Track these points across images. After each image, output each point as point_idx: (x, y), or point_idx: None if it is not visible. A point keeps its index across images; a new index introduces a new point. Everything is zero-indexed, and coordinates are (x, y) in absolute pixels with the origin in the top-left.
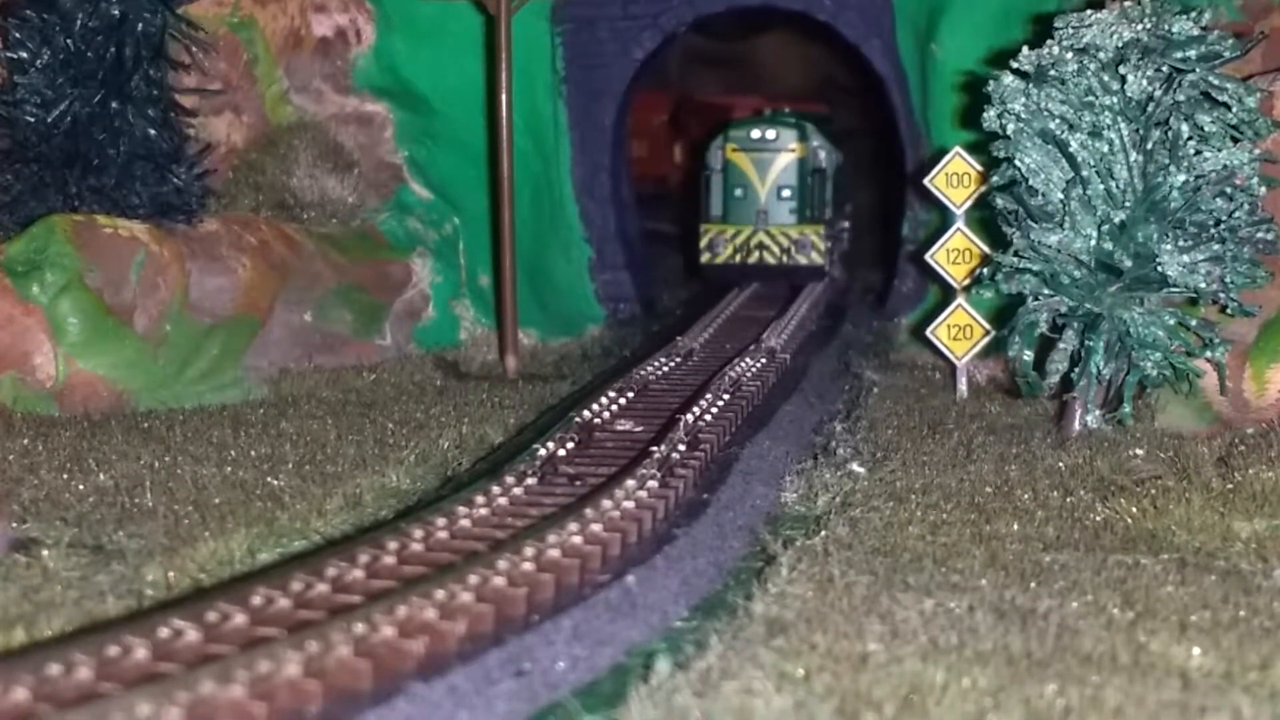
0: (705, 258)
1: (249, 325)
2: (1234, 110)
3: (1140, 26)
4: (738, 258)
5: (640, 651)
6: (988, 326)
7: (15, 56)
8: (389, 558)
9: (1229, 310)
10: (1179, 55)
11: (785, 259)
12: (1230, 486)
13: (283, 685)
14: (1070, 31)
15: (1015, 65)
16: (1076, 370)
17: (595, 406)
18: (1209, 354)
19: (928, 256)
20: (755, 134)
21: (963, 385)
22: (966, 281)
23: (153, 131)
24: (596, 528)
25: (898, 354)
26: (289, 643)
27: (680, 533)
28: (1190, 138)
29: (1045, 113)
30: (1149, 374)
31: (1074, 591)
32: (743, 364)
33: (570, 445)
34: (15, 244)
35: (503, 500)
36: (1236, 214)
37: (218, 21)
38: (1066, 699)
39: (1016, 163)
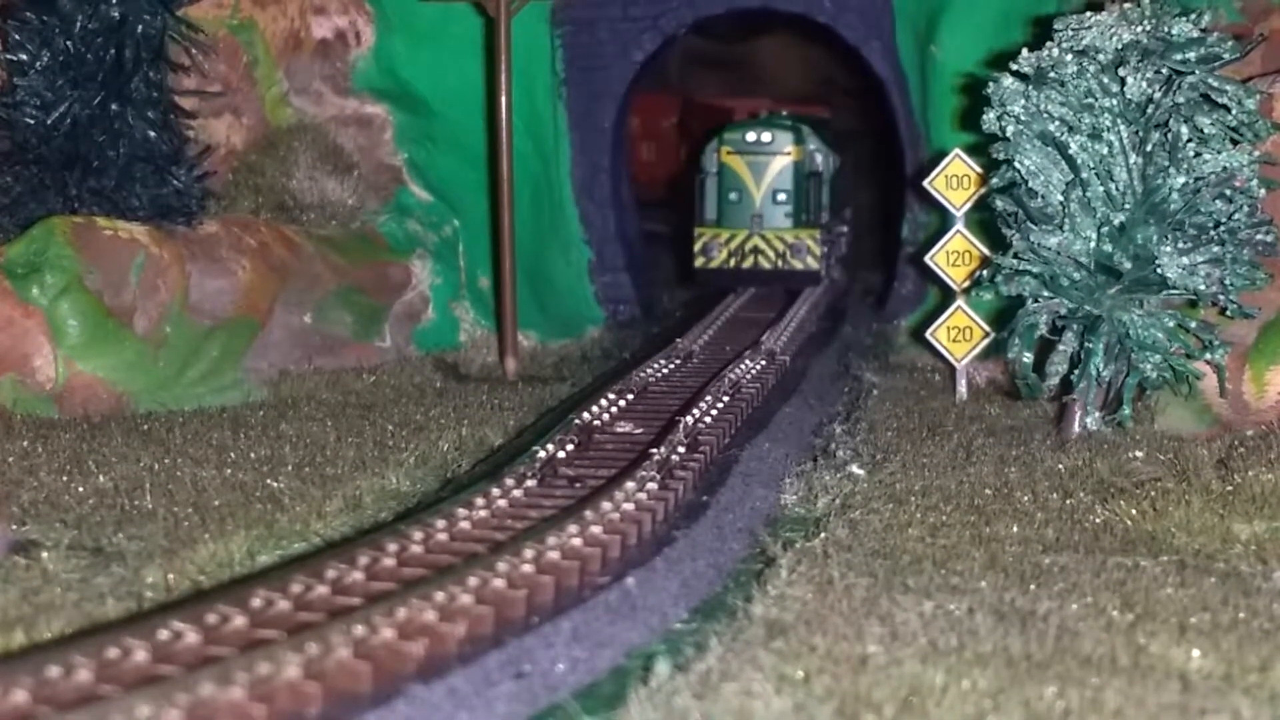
0: (699, 262)
1: (249, 327)
2: (1233, 112)
3: (1140, 29)
4: (732, 262)
5: (640, 653)
6: (987, 328)
7: (15, 58)
8: (388, 560)
9: (1228, 312)
10: (1178, 57)
11: (780, 264)
12: (1230, 489)
13: (282, 687)
14: (1070, 34)
15: (1015, 67)
16: (1076, 372)
17: (595, 408)
18: (1208, 356)
19: (927, 258)
20: (750, 137)
21: (962, 387)
22: (966, 283)
23: (152, 133)
24: (596, 530)
25: (897, 356)
26: (289, 645)
27: (680, 535)
28: (1190, 140)
29: (1045, 115)
30: (1149, 376)
31: (1074, 593)
32: (742, 366)
33: (570, 447)
34: (15, 246)
35: (502, 502)
36: (1236, 216)
37: (217, 23)
38: (1066, 701)
39: (1016, 165)
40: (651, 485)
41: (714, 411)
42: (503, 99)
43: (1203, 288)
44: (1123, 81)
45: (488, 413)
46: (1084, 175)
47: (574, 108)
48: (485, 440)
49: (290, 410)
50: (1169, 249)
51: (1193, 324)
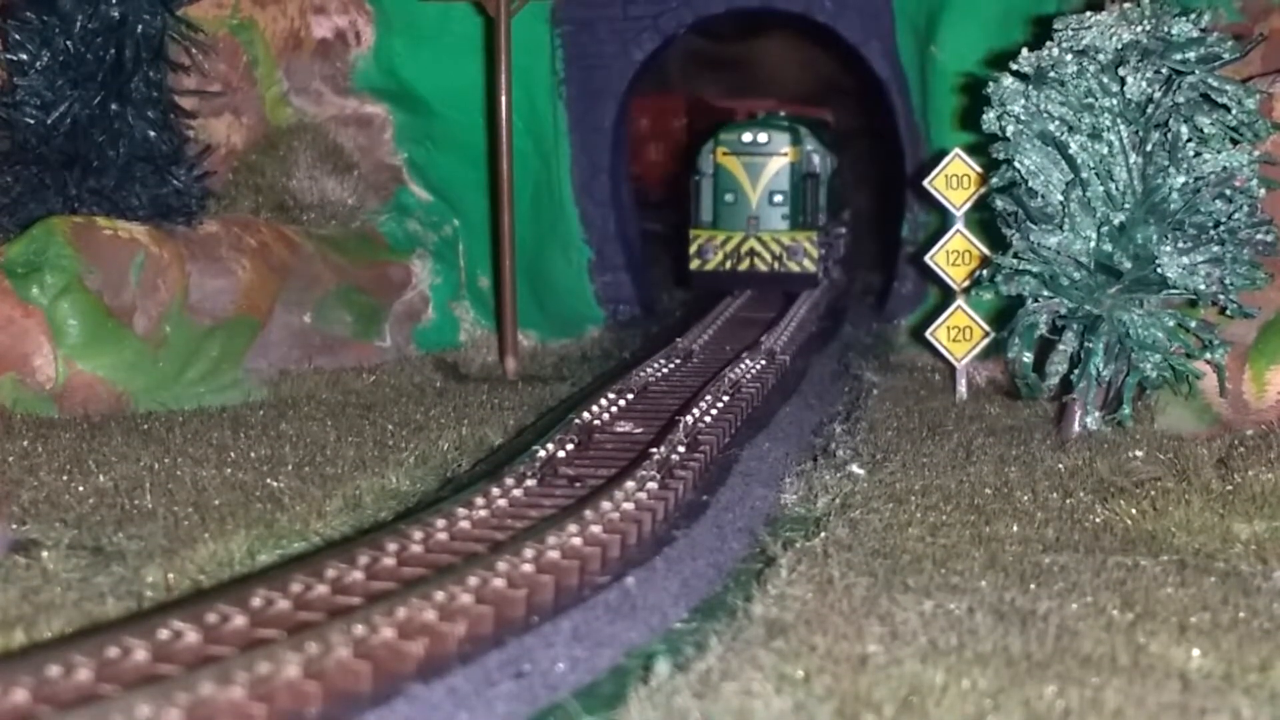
0: (695, 264)
1: (249, 327)
2: (1233, 112)
3: (1140, 28)
4: (728, 265)
5: (640, 653)
6: (987, 328)
7: (15, 58)
8: (388, 559)
9: (1228, 312)
10: (1178, 57)
11: (777, 266)
12: (1230, 488)
13: (282, 687)
14: (1070, 33)
15: (1015, 67)
16: (1076, 372)
17: (595, 408)
18: (1208, 356)
19: (927, 258)
20: (746, 137)
21: (962, 387)
22: (966, 283)
23: (152, 133)
24: (596, 529)
25: (897, 355)
26: (289, 644)
27: (680, 534)
28: (1190, 139)
29: (1045, 114)
30: (1148, 375)
31: (1073, 593)
32: (742, 365)
33: (570, 447)
34: (15, 246)
35: (502, 502)
36: (1236, 216)
37: (217, 23)
38: (1066, 700)
39: (1016, 164)
40: (651, 485)
41: (714, 411)
42: (503, 98)
43: (1203, 287)
44: (1123, 81)
45: (488, 412)
46: (1084, 175)
47: (574, 107)
48: (485, 440)
49: (290, 410)
50: (1169, 249)
51: (1193, 323)
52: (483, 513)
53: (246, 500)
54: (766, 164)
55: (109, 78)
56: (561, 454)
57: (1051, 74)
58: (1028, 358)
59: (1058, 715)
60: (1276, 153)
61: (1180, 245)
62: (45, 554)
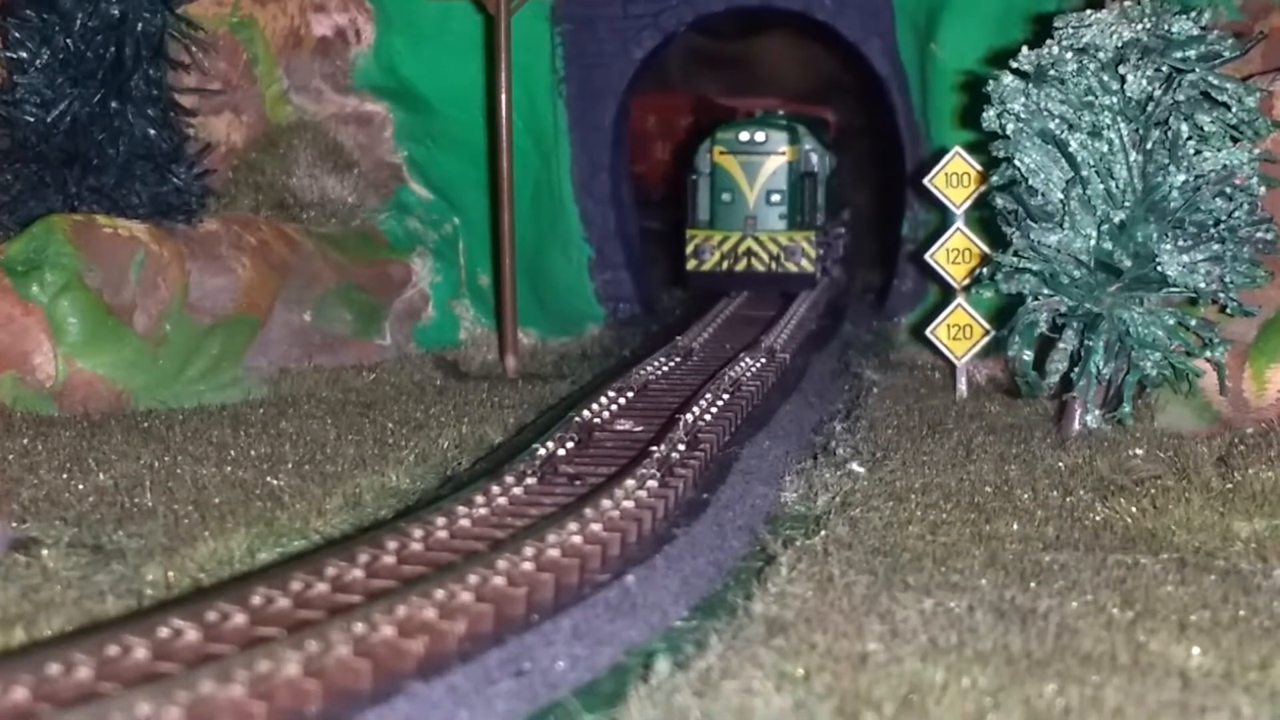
0: (691, 265)
1: (249, 325)
2: (1234, 110)
3: (1140, 26)
4: (725, 265)
5: (640, 651)
6: (987, 326)
7: (15, 56)
8: (389, 557)
9: (1229, 310)
10: (1179, 55)
11: (774, 266)
12: (1230, 486)
13: (282, 685)
14: (1070, 31)
15: (1015, 65)
16: (1076, 370)
17: (595, 406)
18: (1209, 354)
19: (927, 256)
20: (744, 136)
21: (962, 385)
22: (966, 281)
23: (152, 131)
24: (596, 527)
25: (897, 354)
26: (289, 642)
27: (680, 532)
28: (1190, 137)
29: (1045, 112)
30: (1149, 374)
31: (1074, 591)
32: (742, 363)
33: (570, 445)
34: (15, 244)
35: (502, 500)
36: (1236, 214)
37: (217, 21)
38: (1066, 699)
39: (1016, 162)
40: (651, 483)
41: (714, 409)
42: (503, 97)
43: (1203, 285)
44: (1123, 79)
45: (488, 410)
46: (1084, 173)
47: (574, 106)
48: (485, 438)
49: (290, 408)
50: (1169, 247)
51: (1193, 322)
52: (483, 511)
53: (246, 498)
54: (764, 163)
55: (109, 75)
56: (562, 452)
57: (1052, 72)
58: (1028, 356)
59: (1058, 713)
60: (1277, 150)
61: (1180, 243)
62: (45, 552)
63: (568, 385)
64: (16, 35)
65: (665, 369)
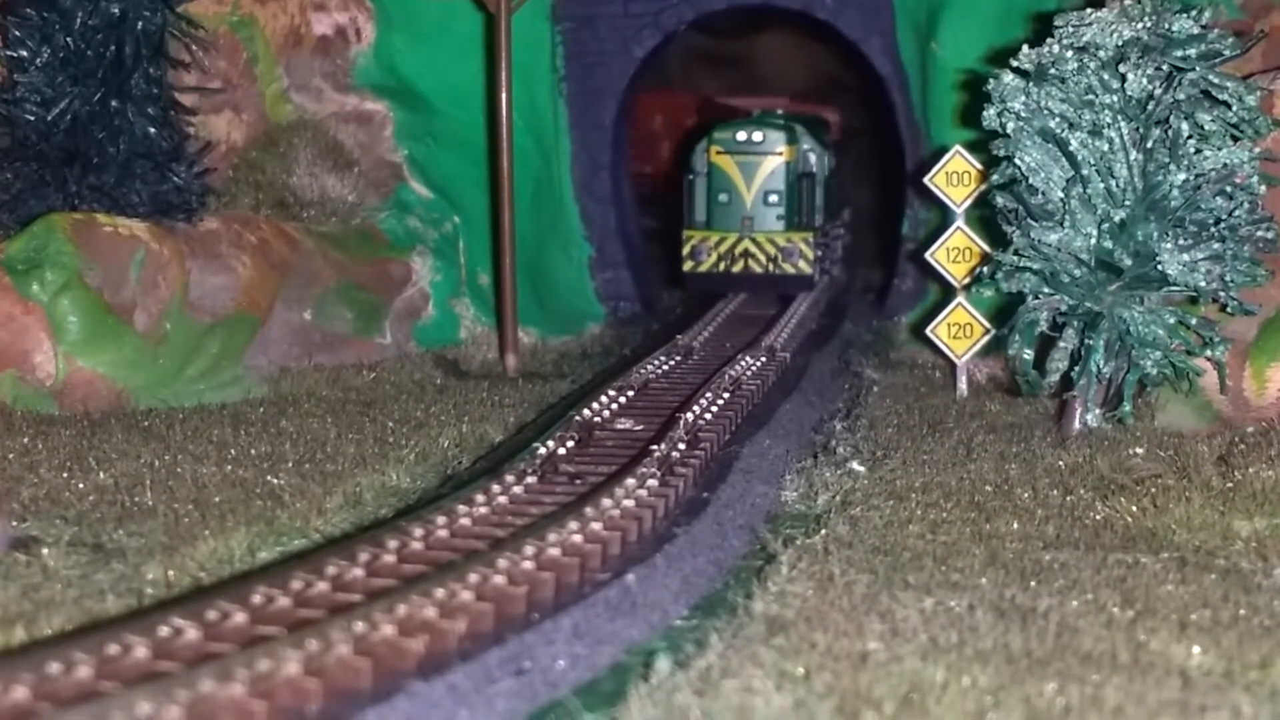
0: (688, 266)
1: (249, 324)
2: (1234, 109)
3: (1140, 25)
4: (722, 266)
5: (640, 650)
6: (988, 325)
7: (15, 55)
8: (389, 556)
9: (1229, 309)
10: (1179, 54)
11: (772, 268)
12: (1230, 485)
13: (283, 684)
14: (1070, 30)
15: (1015, 64)
16: (1076, 369)
17: (595, 405)
18: (1209, 353)
19: (928, 255)
20: (741, 136)
21: (963, 384)
22: (966, 280)
23: (153, 130)
24: (596, 526)
25: (898, 352)
26: (289, 641)
27: (680, 531)
28: (1190, 136)
29: (1045, 111)
30: (1149, 373)
31: (1074, 590)
32: (743, 362)
33: (570, 444)
34: (15, 242)
35: (503, 499)
36: (1236, 212)
37: (218, 20)
38: (1066, 697)
39: (1016, 161)
40: (652, 482)
41: (714, 408)
42: (503, 95)
43: (1203, 284)
44: (1123, 78)
45: (488, 409)
46: (1084, 172)
47: (574, 104)
48: (485, 437)
49: (290, 407)
50: (1169, 245)
51: (1193, 321)
52: (483, 510)
53: (247, 497)
54: (761, 163)
55: (109, 74)
56: (562, 451)
57: (1052, 71)
58: (1028, 355)
59: (1058, 712)
60: (1277, 149)
61: (1181, 242)
62: (45, 551)
63: (568, 384)
64: (17, 34)
65: (665, 368)
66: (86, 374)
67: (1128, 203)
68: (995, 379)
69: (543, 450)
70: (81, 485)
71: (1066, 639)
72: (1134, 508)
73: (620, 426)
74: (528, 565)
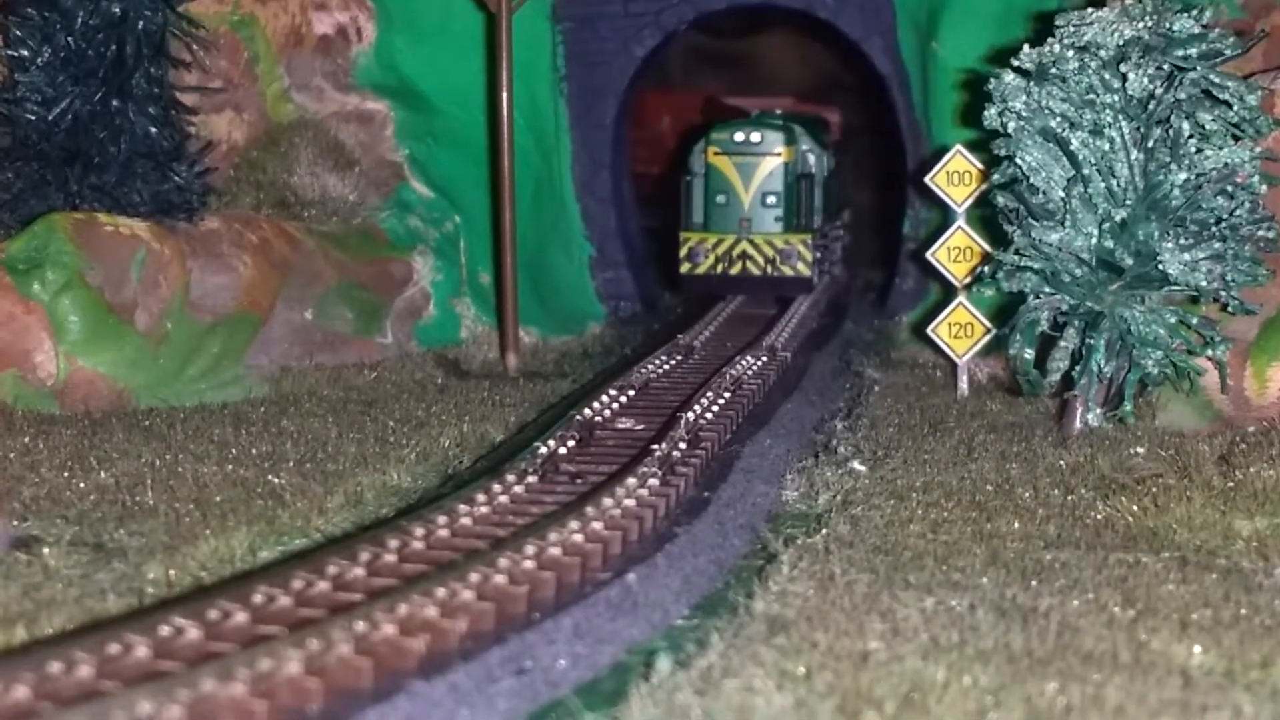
0: (685, 268)
1: (250, 323)
2: (1235, 108)
3: (1141, 24)
4: (719, 268)
5: (641, 649)
6: (989, 325)
7: (16, 54)
8: (390, 556)
9: (1230, 308)
10: (1180, 53)
11: (770, 270)
12: (1231, 485)
13: (284, 683)
14: (1071, 29)
15: (1016, 63)
16: (1077, 368)
17: (596, 404)
18: (1210, 352)
19: (929, 254)
20: (739, 137)
21: (964, 383)
22: (967, 279)
23: (154, 129)
24: (597, 526)
25: (899, 352)
26: (290, 641)
27: (681, 531)
28: (1191, 136)
29: (1046, 111)
30: (1150, 372)
31: (1075, 589)
32: (744, 362)
33: (571, 443)
34: (16, 242)
35: (504, 498)
36: (1238, 212)
37: (218, 19)
38: (1067, 697)
39: (1017, 160)
40: (653, 481)
41: (715, 408)
42: (504, 95)
43: (1204, 284)
44: (1124, 77)
45: (489, 409)
46: (1085, 171)
47: (575, 104)
48: (486, 436)
49: (291, 406)
50: (1170, 245)
51: (1194, 320)
52: (484, 509)
53: (248, 497)
54: (759, 164)
55: (110, 74)
56: (563, 450)
57: (1053, 70)
58: (1029, 354)
59: (1059, 712)
60: (1278, 149)
61: (1182, 242)
62: (46, 550)
63: (569, 383)
64: (18, 33)
65: (666, 367)
66: (87, 373)
67: (1129, 202)
68: (996, 378)
69: (544, 449)
70: (82, 485)
71: (1067, 638)
72: (1135, 507)
73: (621, 426)
74: (529, 564)
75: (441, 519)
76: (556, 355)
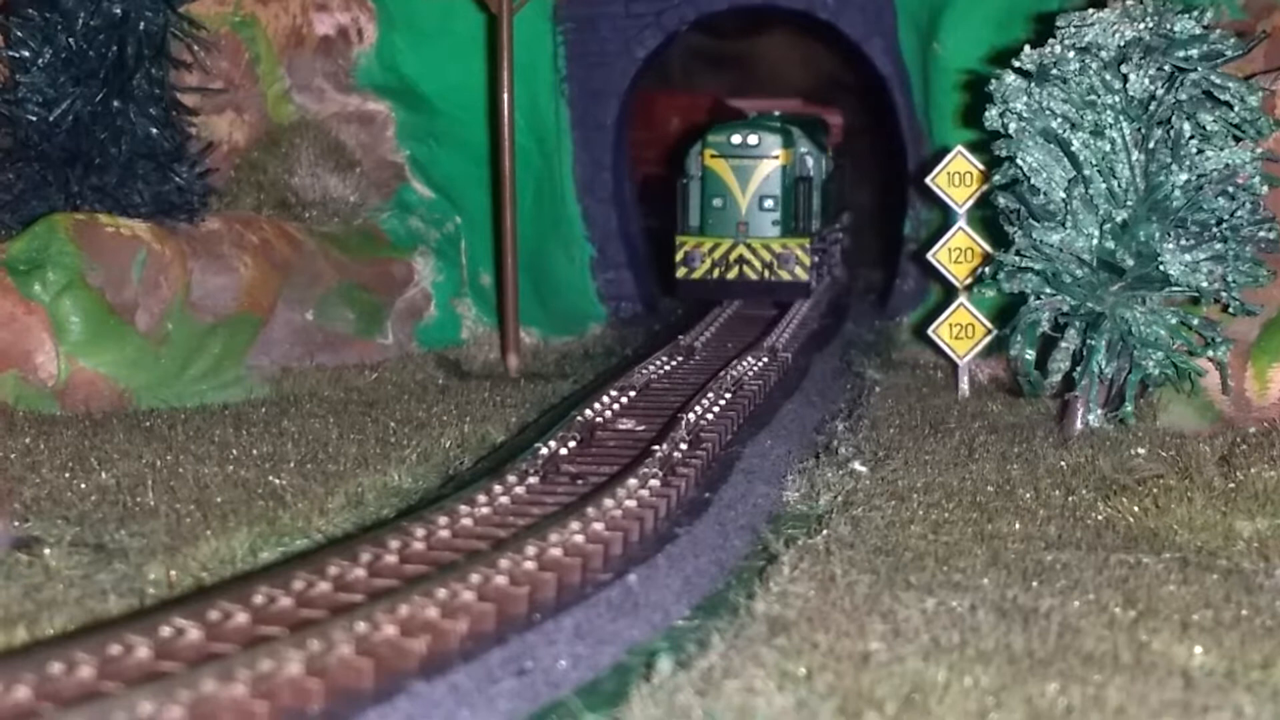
0: (681, 272)
1: (251, 324)
2: (1236, 109)
3: (1142, 25)
4: (716, 273)
5: (642, 650)
6: (990, 325)
7: (17, 55)
8: (391, 556)
9: (1231, 309)
10: (1181, 54)
11: (767, 275)
12: (1232, 485)
13: (284, 684)
14: (1072, 30)
15: (1017, 64)
16: (1078, 369)
17: (597, 405)
18: (1211, 353)
19: (929, 255)
20: (736, 139)
21: (964, 384)
22: (968, 280)
23: (154, 130)
24: (598, 526)
25: (899, 353)
26: (291, 641)
27: (682, 531)
28: (1192, 137)
29: (1047, 111)
30: (1151, 373)
31: (1076, 590)
32: (745, 363)
33: (572, 444)
34: (17, 243)
35: (504, 499)
36: (1238, 213)
37: (219, 20)
38: (1068, 698)
39: (1018, 161)
40: (654, 482)
41: (716, 408)
42: (505, 96)
43: (1205, 285)
44: (1125, 78)
45: (490, 410)
46: (1086, 172)
47: (576, 105)
48: (487, 437)
49: (292, 407)
50: (1171, 246)
51: (1195, 321)
52: (485, 510)
53: (249, 497)
54: (756, 167)
55: (111, 75)
56: (564, 451)
57: (1054, 71)
58: (1030, 355)
59: (1060, 713)
60: (1279, 150)
61: (1183, 242)
62: (47, 551)
63: (570, 384)
64: (19, 34)
65: (667, 368)
66: (88, 374)
67: (1130, 203)
68: (997, 379)
69: (544, 450)
70: (83, 485)
71: (1068, 639)
72: (1136, 508)
73: (622, 427)
74: (530, 565)
75: (442, 520)
76: (557, 356)
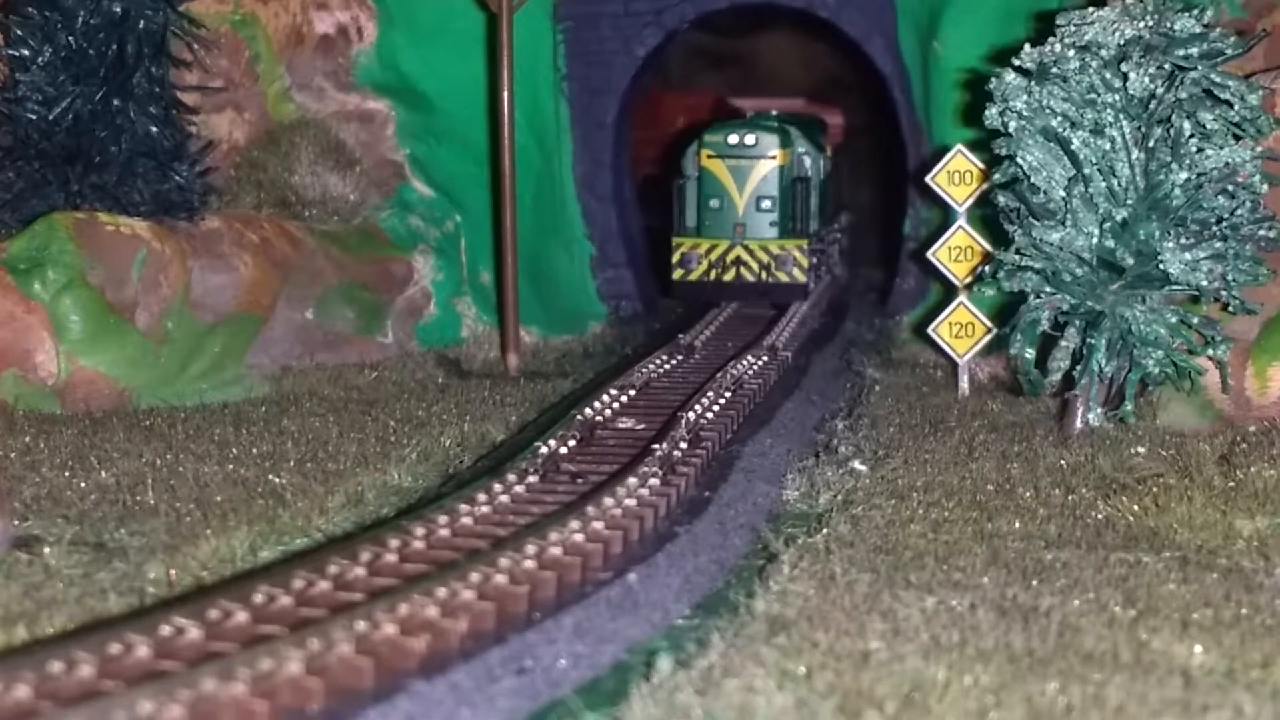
0: (677, 274)
1: (251, 323)
2: (1236, 108)
3: (1142, 24)
4: (712, 275)
5: (642, 649)
6: (989, 324)
7: (17, 54)
8: (391, 555)
9: (1231, 308)
10: (1181, 53)
11: (765, 276)
12: (1232, 484)
13: (284, 683)
14: (1072, 29)
15: (1017, 63)
16: (1078, 368)
17: (597, 404)
18: (1211, 352)
19: (929, 254)
20: (733, 139)
21: (964, 383)
22: (968, 279)
23: (154, 129)
24: (598, 525)
25: (899, 352)
26: (291, 640)
27: (682, 530)
28: (1192, 135)
29: (1047, 110)
30: (1151, 372)
31: (1076, 589)
32: (744, 361)
33: (572, 443)
34: (17, 241)
35: (504, 498)
36: (1239, 211)
37: (219, 19)
38: (1068, 697)
39: (1018, 160)
40: (653, 481)
41: (716, 407)
42: (505, 94)
43: (1205, 283)
44: (1125, 77)
45: (490, 408)
46: (1086, 171)
47: (576, 103)
48: (487, 436)
49: (292, 406)
50: (1171, 245)
51: (1195, 320)
52: (485, 509)
53: (249, 496)
54: (754, 167)
55: (111, 73)
56: (564, 450)
57: (1054, 70)
58: (1030, 354)
59: (1060, 712)
60: (1279, 148)
61: (1183, 241)
62: (47, 550)
63: (569, 383)
64: (19, 33)
65: (667, 367)
66: (88, 373)
67: (1130, 202)
68: (997, 378)
69: (544, 449)
70: (83, 484)
71: (1068, 638)
72: (1136, 507)
73: (622, 425)
74: (529, 564)
75: (442, 518)
76: (557, 355)
